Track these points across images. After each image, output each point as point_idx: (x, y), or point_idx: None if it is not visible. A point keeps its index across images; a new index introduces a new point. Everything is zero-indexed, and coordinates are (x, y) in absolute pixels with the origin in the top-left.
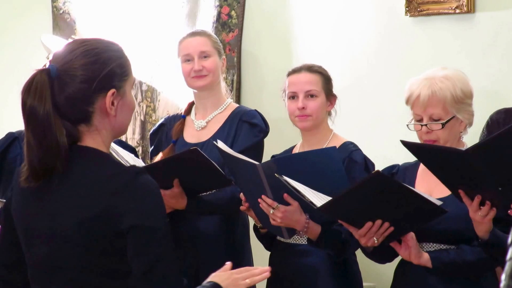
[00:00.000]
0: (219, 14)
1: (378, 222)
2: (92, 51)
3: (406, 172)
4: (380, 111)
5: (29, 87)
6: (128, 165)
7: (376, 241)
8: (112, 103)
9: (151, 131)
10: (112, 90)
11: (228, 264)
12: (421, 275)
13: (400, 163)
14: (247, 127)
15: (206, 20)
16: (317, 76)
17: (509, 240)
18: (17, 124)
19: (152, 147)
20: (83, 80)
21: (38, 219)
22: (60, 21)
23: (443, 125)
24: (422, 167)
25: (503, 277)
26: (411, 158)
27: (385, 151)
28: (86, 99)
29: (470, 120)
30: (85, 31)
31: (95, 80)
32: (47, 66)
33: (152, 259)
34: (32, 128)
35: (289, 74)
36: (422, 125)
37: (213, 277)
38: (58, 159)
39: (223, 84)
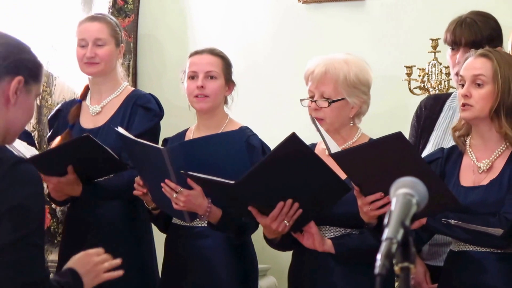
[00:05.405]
0: (115, 0)
1: (289, 201)
2: (14, 40)
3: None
4: (275, 96)
5: None
6: (20, 154)
7: (287, 224)
8: (16, 93)
9: (48, 117)
10: (21, 77)
11: (100, 249)
12: (318, 256)
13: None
14: (141, 111)
15: (102, 6)
16: (218, 59)
17: (384, 221)
18: None
19: (50, 133)
20: None
21: None
22: None
23: (330, 103)
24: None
25: (378, 256)
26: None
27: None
28: None
29: (362, 108)
30: None
31: (7, 59)
32: None
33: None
34: None
35: (191, 55)
36: (312, 101)
37: (73, 261)
38: None
39: (119, 70)
